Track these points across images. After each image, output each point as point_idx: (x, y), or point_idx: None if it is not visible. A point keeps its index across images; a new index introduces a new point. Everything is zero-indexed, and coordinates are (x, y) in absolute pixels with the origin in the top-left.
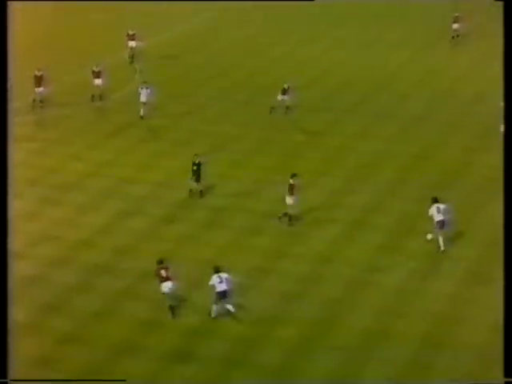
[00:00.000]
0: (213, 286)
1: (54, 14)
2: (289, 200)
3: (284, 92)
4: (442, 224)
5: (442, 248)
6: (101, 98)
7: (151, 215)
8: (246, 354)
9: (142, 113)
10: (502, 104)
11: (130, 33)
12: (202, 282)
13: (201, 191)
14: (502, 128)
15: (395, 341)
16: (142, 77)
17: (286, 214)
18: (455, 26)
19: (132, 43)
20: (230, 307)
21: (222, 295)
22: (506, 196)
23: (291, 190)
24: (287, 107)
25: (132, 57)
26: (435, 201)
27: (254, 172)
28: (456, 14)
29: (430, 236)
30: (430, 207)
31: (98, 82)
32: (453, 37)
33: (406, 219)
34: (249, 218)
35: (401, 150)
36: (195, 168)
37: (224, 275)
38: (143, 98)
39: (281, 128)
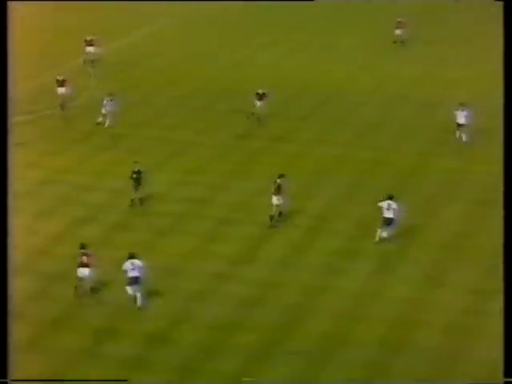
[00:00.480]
0: (125, 271)
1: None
2: (275, 200)
3: (260, 98)
4: (387, 221)
5: (377, 239)
6: (63, 107)
7: (107, 222)
8: (204, 360)
9: (103, 122)
10: (456, 112)
11: (88, 39)
12: (158, 290)
13: (140, 199)
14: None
15: (354, 344)
16: (98, 83)
17: (272, 217)
18: (398, 31)
19: (90, 49)
20: (138, 297)
21: (133, 281)
22: (506, 196)
23: (277, 190)
24: (254, 113)
25: (91, 62)
26: (389, 198)
27: (211, 178)
28: (399, 20)
29: (384, 234)
30: (381, 201)
31: (61, 90)
32: (395, 42)
33: (363, 223)
34: (206, 224)
35: (357, 156)
36: (135, 176)
37: (137, 262)
38: (106, 109)
39: (238, 134)
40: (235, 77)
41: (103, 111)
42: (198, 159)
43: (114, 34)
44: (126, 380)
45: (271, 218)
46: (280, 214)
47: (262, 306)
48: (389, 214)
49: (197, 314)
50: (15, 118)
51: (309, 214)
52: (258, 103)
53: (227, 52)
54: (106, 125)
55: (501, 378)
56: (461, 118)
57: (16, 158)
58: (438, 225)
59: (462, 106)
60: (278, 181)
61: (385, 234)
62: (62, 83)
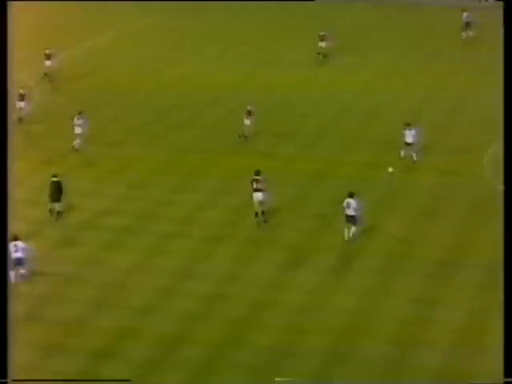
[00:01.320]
0: (8, 253)
1: None
2: (257, 197)
3: (248, 114)
4: (349, 219)
5: (346, 239)
6: (20, 119)
7: (51, 238)
8: (149, 375)
9: (76, 144)
10: (403, 131)
11: (47, 52)
12: (104, 304)
13: (58, 212)
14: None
15: (300, 357)
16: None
17: (257, 214)
18: (322, 44)
19: (48, 63)
20: (23, 272)
21: (17, 262)
22: (506, 197)
23: (257, 186)
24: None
25: (47, 76)
26: (350, 196)
27: (155, 192)
28: (322, 33)
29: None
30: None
31: (20, 104)
32: (318, 53)
33: (308, 235)
34: (151, 239)
35: (300, 168)
36: (53, 188)
37: (20, 244)
38: (78, 130)
39: (181, 148)
40: (180, 91)
41: (78, 131)
42: (142, 173)
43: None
44: (128, 380)
45: (256, 214)
46: (263, 212)
47: (207, 320)
48: (350, 212)
49: (143, 328)
50: None
51: (254, 227)
52: (247, 121)
53: (173, 65)
54: (77, 146)
55: (501, 378)
56: (408, 137)
57: None
58: (382, 235)
59: (408, 125)
60: (257, 177)
61: (351, 233)
62: (22, 97)
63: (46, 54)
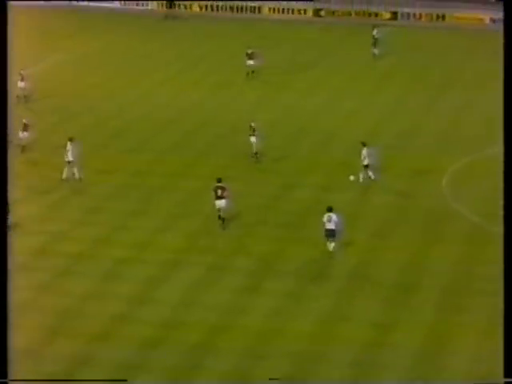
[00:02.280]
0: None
1: None
2: (219, 204)
3: (253, 131)
4: (329, 233)
5: (330, 249)
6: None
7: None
8: None
9: (69, 172)
10: (362, 152)
11: (22, 73)
12: (58, 332)
13: None
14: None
15: (259, 382)
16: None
17: (220, 217)
18: (250, 62)
19: (21, 84)
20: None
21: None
22: (506, 200)
23: (220, 193)
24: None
25: (24, 97)
26: (329, 210)
27: (110, 217)
28: (249, 51)
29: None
30: (323, 215)
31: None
32: (247, 73)
33: (265, 259)
34: (106, 265)
35: (257, 192)
36: None
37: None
38: (70, 157)
39: (137, 172)
40: (133, 115)
41: (69, 158)
42: (97, 198)
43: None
44: (125, 380)
45: (219, 217)
46: (223, 219)
47: (163, 347)
48: (330, 226)
49: (98, 355)
50: None
51: (210, 251)
52: (252, 138)
53: (124, 89)
54: (77, 176)
55: (501, 378)
56: (365, 158)
57: None
58: (341, 257)
59: (364, 145)
60: (219, 184)
61: (331, 247)
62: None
63: (20, 74)
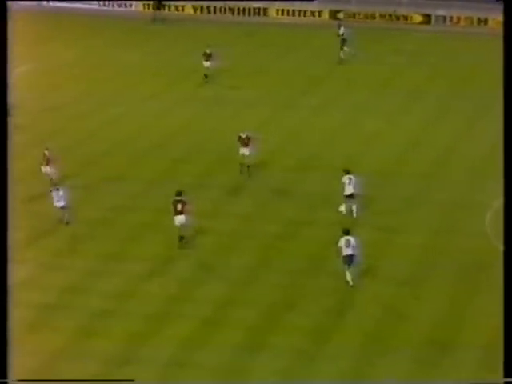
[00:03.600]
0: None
1: None
2: (179, 220)
3: (245, 144)
4: (349, 259)
5: (351, 283)
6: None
7: None
8: None
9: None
10: (343, 181)
11: None
12: None
13: None
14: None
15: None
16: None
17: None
18: (207, 63)
19: None
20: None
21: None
22: (506, 201)
23: (180, 208)
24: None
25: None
26: (346, 233)
27: (84, 261)
28: (207, 51)
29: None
30: (339, 239)
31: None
32: (205, 75)
33: (271, 311)
34: (80, 318)
35: (260, 230)
36: None
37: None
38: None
39: (115, 206)
40: (113, 137)
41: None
42: (69, 238)
43: None
44: (132, 380)
45: (180, 238)
46: (182, 238)
47: None
48: (349, 251)
49: None
50: None
51: (203, 301)
52: (244, 149)
53: (103, 106)
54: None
55: (501, 379)
56: (348, 188)
57: None
58: (360, 309)
59: (347, 173)
60: (178, 198)
61: (350, 277)
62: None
63: None
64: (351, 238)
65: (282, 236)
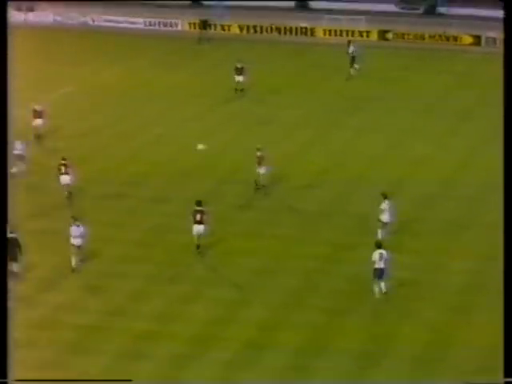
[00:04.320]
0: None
1: None
2: (198, 229)
3: (259, 162)
4: (379, 272)
5: (377, 296)
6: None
7: None
8: None
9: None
10: (381, 206)
11: (37, 108)
12: None
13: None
14: None
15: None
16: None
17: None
18: (238, 78)
19: (39, 121)
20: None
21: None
22: (506, 205)
23: (199, 218)
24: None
25: (38, 137)
26: (379, 246)
27: (126, 282)
28: (238, 65)
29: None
30: (373, 251)
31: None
32: (236, 90)
33: (315, 334)
34: (124, 340)
35: (303, 251)
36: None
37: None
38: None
39: (156, 227)
40: (153, 159)
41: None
42: (108, 263)
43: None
44: (130, 380)
45: (197, 247)
46: (199, 246)
47: None
48: (381, 265)
49: None
50: None
51: (246, 324)
52: (260, 169)
53: (145, 127)
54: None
55: (501, 378)
56: (385, 214)
57: None
58: (404, 334)
59: (385, 198)
60: (200, 209)
61: (382, 288)
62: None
63: (35, 111)
64: (384, 252)
65: (326, 258)
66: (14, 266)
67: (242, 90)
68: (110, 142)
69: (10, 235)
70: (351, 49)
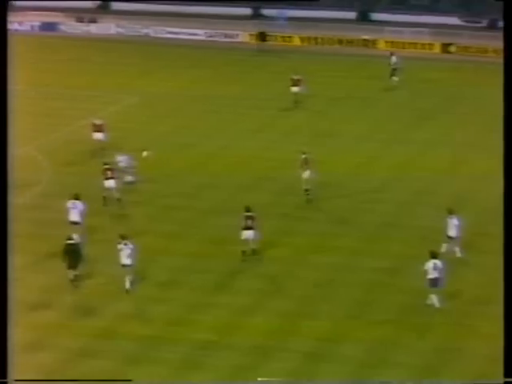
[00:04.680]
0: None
1: None
2: (246, 235)
3: (305, 164)
4: (434, 282)
5: (437, 305)
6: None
7: None
8: None
9: (127, 285)
10: (447, 220)
11: (97, 122)
12: None
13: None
14: None
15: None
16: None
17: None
18: (294, 89)
19: (99, 135)
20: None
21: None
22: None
23: (250, 223)
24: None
25: (102, 150)
26: (433, 256)
27: (187, 293)
28: (295, 77)
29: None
30: (427, 261)
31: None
32: (295, 102)
33: (377, 348)
34: (185, 351)
35: (366, 264)
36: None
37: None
38: (127, 261)
39: (217, 239)
40: (214, 169)
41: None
42: (170, 271)
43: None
44: (129, 380)
45: (243, 252)
46: (244, 252)
47: None
48: (435, 274)
49: None
50: None
51: (308, 337)
52: (306, 173)
53: (206, 138)
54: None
55: (501, 378)
56: (451, 228)
57: None
58: (466, 351)
59: (451, 213)
60: (249, 214)
61: (435, 300)
62: None
63: (95, 125)
64: (438, 262)
65: (389, 270)
66: (70, 273)
67: (299, 101)
68: (170, 153)
69: (69, 241)
70: (393, 60)
